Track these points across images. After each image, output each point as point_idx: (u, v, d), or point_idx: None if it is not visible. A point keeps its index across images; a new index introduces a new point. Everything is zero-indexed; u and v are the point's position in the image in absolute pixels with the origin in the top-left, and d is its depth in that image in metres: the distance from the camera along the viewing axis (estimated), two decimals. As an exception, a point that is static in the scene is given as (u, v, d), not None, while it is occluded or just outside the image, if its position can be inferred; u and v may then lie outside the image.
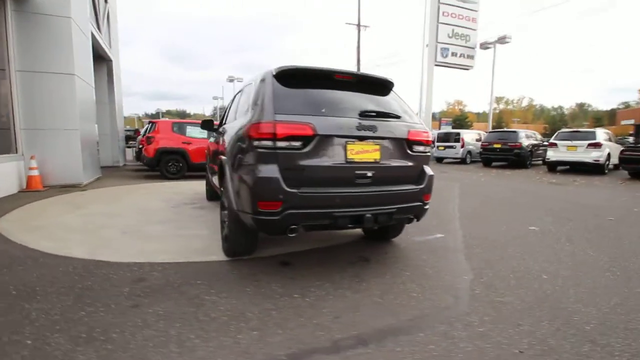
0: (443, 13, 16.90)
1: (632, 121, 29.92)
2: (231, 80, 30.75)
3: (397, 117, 2.58)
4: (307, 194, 2.22)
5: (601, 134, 10.93)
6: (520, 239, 3.65)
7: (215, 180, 4.38)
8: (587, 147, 10.54)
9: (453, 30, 17.33)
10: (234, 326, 1.84)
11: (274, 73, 2.52)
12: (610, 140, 11.45)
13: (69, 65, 6.07)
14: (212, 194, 5.33)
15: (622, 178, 9.65)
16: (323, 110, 2.35)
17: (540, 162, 14.32)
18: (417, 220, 2.75)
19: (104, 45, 9.19)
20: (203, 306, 2.05)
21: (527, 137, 13.84)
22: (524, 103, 76.36)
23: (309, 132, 2.21)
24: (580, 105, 76.46)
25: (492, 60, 19.04)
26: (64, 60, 5.99)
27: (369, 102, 2.60)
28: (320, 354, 1.62)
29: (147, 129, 10.50)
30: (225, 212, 2.95)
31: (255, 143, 2.23)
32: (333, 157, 2.32)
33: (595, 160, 10.37)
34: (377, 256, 3.03)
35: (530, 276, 2.61)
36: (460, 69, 17.96)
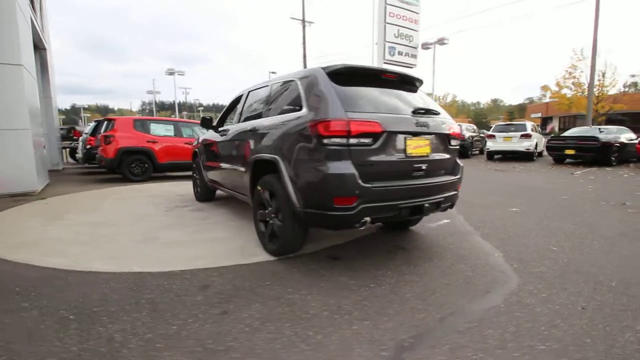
0: (389, 14, 17.73)
1: (539, 114, 35.03)
2: (171, 73, 28.54)
3: (439, 113, 2.81)
4: (379, 188, 2.33)
5: (530, 126, 12.70)
6: (511, 219, 4.19)
7: (220, 178, 4.21)
8: (520, 138, 12.18)
9: (399, 30, 18.31)
10: (341, 319, 1.90)
11: (327, 71, 2.56)
12: (534, 130, 13.36)
13: (15, 55, 5.15)
14: (205, 195, 5.07)
15: (550, 163, 11.41)
16: (382, 108, 2.48)
17: (477, 152, 16.12)
18: (451, 208, 3.03)
19: (40, 31, 7.92)
20: (295, 305, 2.06)
21: (467, 130, 15.44)
22: (449, 99, 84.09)
23: (378, 129, 2.32)
24: (494, 101, 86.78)
25: (432, 59, 20.75)
26: (9, 48, 5.07)
27: (413, 99, 2.79)
28: (439, 332, 1.78)
29: (94, 127, 9.40)
30: (265, 211, 2.91)
31: (325, 140, 2.27)
32: (396, 152, 2.46)
33: (527, 149, 12.04)
34: (409, 243, 3.26)
35: (543, 249, 3.07)
36: (405, 67, 19.14)
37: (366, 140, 2.31)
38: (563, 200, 5.34)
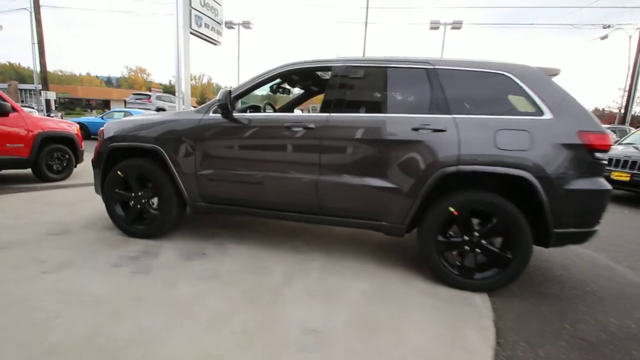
0: (194, -24, 15.29)
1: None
2: None
3: None
4: None
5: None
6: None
7: (283, 195, 2.63)
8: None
9: (204, -1, 16.21)
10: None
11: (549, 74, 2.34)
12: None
13: None
14: (166, 226, 2.91)
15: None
16: None
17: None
18: None
19: None
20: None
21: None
22: (204, 80, 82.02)
23: None
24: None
25: (238, 40, 20.14)
26: None
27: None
28: None
29: None
30: (466, 238, 2.29)
31: (597, 154, 2.15)
32: None
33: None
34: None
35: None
36: (211, 42, 17.43)
37: None
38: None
